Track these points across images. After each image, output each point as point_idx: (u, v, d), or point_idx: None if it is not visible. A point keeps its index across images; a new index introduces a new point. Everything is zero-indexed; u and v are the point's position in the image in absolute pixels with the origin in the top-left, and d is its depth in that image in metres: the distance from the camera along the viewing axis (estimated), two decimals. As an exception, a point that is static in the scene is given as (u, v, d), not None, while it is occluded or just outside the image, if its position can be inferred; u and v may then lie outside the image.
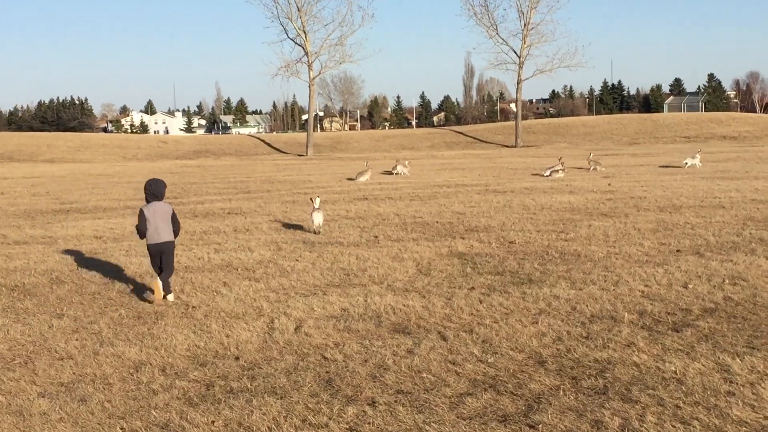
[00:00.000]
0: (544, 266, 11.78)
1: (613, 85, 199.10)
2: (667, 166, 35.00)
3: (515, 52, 77.39)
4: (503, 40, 77.78)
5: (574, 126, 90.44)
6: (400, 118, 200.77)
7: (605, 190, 23.15)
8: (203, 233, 16.65)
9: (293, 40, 69.62)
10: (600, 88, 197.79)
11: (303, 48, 68.64)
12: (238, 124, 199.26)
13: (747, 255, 12.00)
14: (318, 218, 15.83)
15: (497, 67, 79.94)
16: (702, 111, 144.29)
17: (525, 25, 76.12)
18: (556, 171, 29.57)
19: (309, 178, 34.14)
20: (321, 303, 9.82)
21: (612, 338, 7.90)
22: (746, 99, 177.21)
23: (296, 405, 6.38)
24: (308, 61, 68.68)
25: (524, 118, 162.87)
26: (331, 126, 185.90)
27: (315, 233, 15.98)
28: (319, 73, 69.59)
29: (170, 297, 10.43)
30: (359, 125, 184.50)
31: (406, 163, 36.70)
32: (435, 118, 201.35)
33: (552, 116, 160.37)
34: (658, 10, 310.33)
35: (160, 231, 10.48)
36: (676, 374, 6.79)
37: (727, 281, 10.28)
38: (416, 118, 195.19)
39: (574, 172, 32.25)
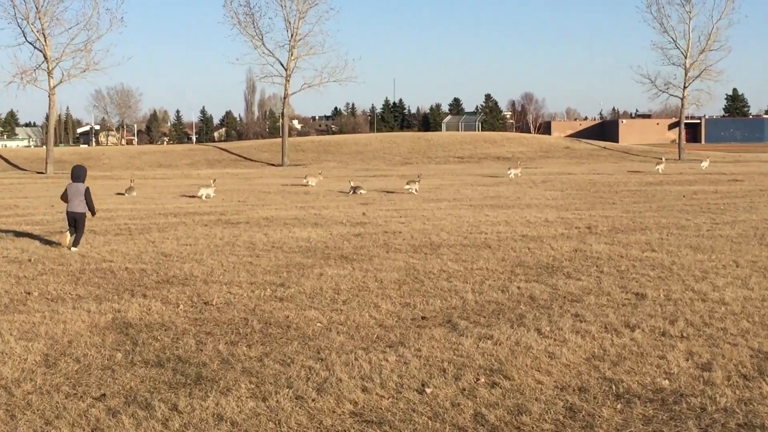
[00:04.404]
0: (232, 348, 8.11)
1: (394, 103, 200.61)
2: (391, 192, 31.99)
3: (282, 64, 72.73)
4: (269, 51, 72.69)
5: (346, 144, 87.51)
6: (180, 133, 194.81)
7: (357, 222, 19.72)
8: None
9: (32, 44, 61.38)
10: (382, 106, 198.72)
11: (43, 53, 60.63)
12: (5, 137, 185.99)
13: (513, 326, 8.77)
14: (204, 191, 27.73)
15: (263, 80, 74.81)
16: (479, 131, 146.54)
17: (292, 35, 71.57)
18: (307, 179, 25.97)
19: (20, 202, 28.25)
20: None
21: None
22: (521, 120, 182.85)
23: None
24: (48, 68, 60.81)
25: (306, 134, 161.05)
26: (107, 140, 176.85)
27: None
28: (60, 82, 60.72)
29: (75, 249, 14.68)
30: (137, 140, 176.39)
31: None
32: (216, 134, 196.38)
33: (334, 133, 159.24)
34: (438, 30, 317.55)
35: (74, 203, 14.93)
36: None
37: (482, 379, 7.01)
38: (196, 134, 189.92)
39: (331, 197, 28.86)
